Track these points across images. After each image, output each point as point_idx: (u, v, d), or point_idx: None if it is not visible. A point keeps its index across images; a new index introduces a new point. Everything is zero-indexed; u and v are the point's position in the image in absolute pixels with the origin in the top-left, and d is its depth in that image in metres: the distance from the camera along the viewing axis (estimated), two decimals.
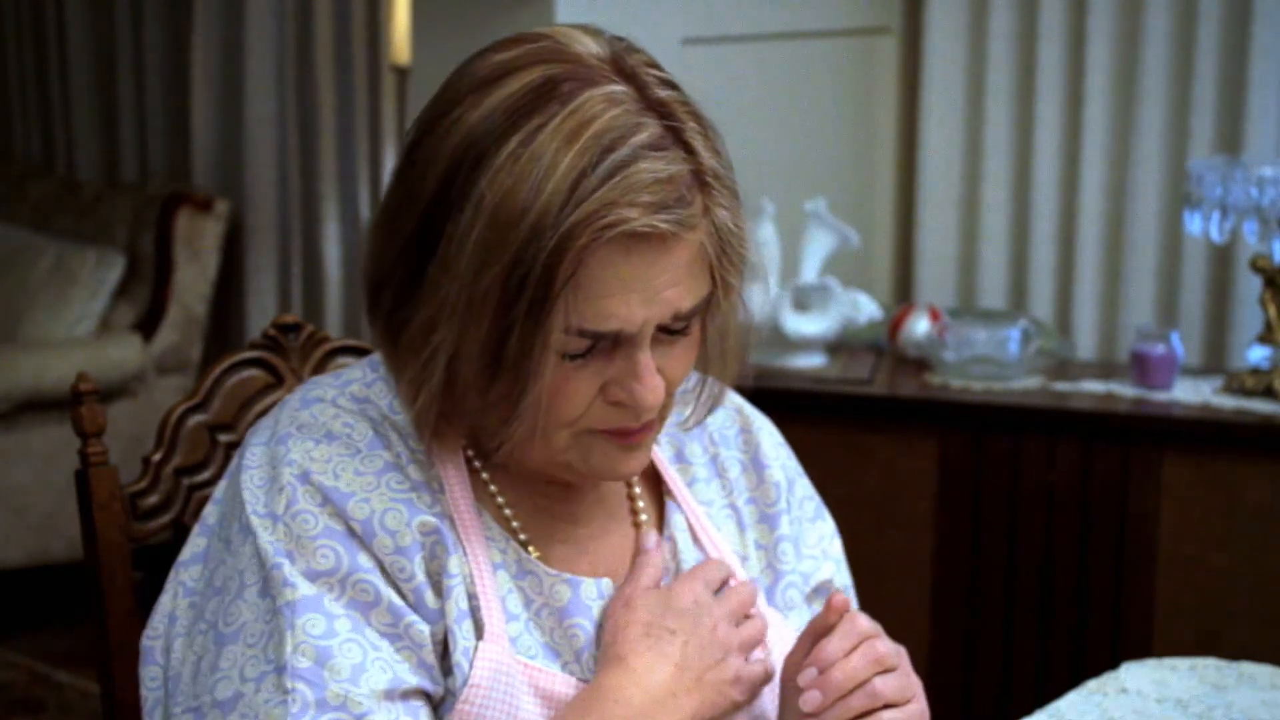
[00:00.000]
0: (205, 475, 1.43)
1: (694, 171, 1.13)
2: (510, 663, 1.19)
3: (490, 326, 1.11)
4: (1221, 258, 3.19)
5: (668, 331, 1.16)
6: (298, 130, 4.42)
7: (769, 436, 1.40)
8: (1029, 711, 1.53)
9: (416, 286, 1.14)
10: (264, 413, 1.45)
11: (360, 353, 1.51)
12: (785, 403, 2.53)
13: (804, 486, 1.42)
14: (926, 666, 2.85)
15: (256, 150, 4.42)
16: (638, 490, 1.32)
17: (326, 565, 1.15)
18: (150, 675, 1.22)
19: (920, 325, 3.07)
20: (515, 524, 1.24)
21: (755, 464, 1.37)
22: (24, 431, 3.93)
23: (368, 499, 1.17)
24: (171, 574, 1.24)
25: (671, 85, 1.16)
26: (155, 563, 1.34)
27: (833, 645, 1.20)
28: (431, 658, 1.17)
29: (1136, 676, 1.56)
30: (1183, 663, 1.59)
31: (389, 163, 4.44)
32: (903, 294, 3.59)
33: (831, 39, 3.56)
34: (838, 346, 3.12)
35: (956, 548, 2.85)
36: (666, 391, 1.18)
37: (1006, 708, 2.79)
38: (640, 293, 1.12)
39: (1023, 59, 3.36)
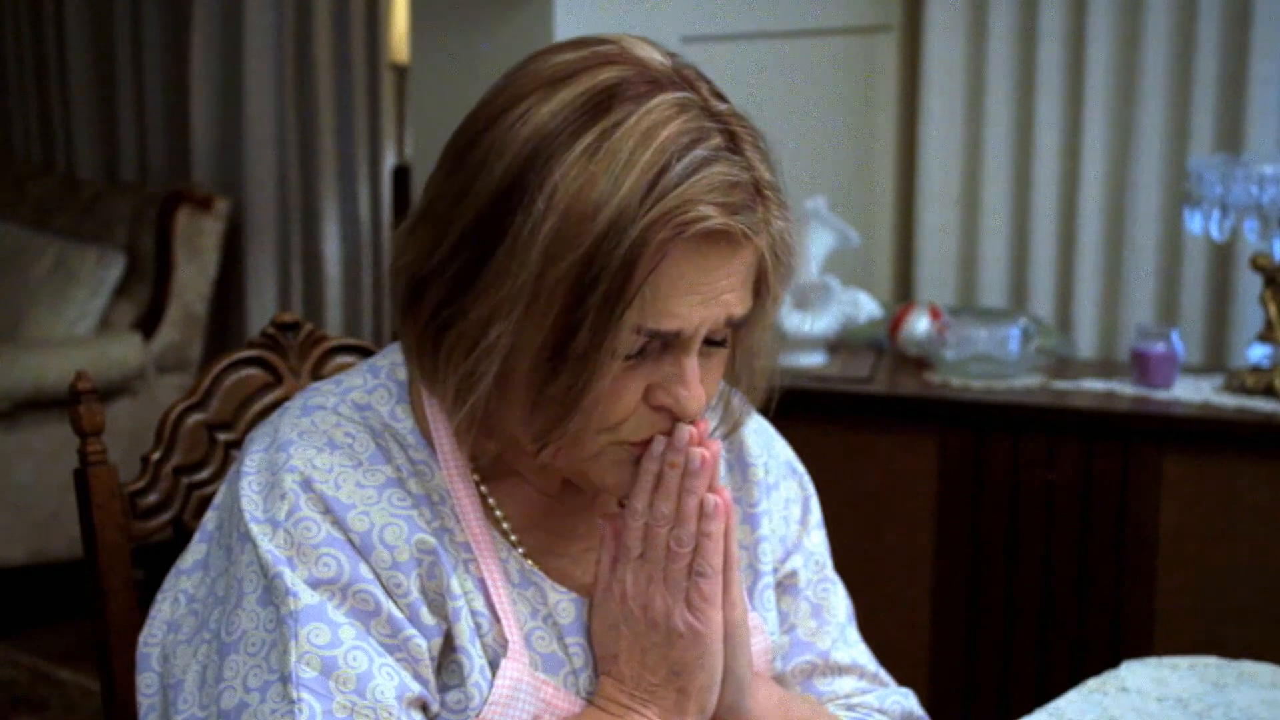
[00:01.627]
0: (204, 474, 1.43)
1: (755, 181, 1.14)
2: (529, 680, 1.19)
3: (557, 320, 1.10)
4: (1222, 256, 3.19)
5: (710, 342, 1.17)
6: (297, 129, 4.42)
7: (754, 435, 1.39)
8: (1029, 710, 1.53)
9: (474, 280, 1.13)
10: (263, 412, 1.45)
11: (360, 351, 1.51)
12: (785, 401, 2.53)
13: (789, 486, 1.40)
14: (927, 665, 2.85)
15: (256, 149, 4.43)
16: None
17: (329, 573, 1.15)
18: (146, 682, 1.21)
19: (920, 324, 3.07)
20: (514, 537, 1.24)
21: (740, 463, 1.37)
22: (25, 430, 3.93)
23: (368, 512, 1.17)
24: (170, 579, 1.23)
25: (724, 98, 1.17)
26: (155, 561, 1.34)
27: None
28: (429, 672, 1.17)
29: (1137, 675, 1.56)
30: (1183, 661, 1.59)
31: (389, 161, 4.45)
32: (903, 292, 3.59)
33: (832, 37, 3.56)
34: (838, 345, 3.12)
35: (956, 546, 2.85)
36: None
37: (1006, 707, 2.79)
38: (703, 295, 1.12)
39: (1023, 57, 3.36)
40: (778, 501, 1.38)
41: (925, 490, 2.85)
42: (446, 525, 1.20)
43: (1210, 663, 1.58)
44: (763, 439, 1.40)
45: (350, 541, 1.16)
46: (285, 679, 1.12)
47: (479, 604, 1.19)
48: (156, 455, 1.42)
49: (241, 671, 1.14)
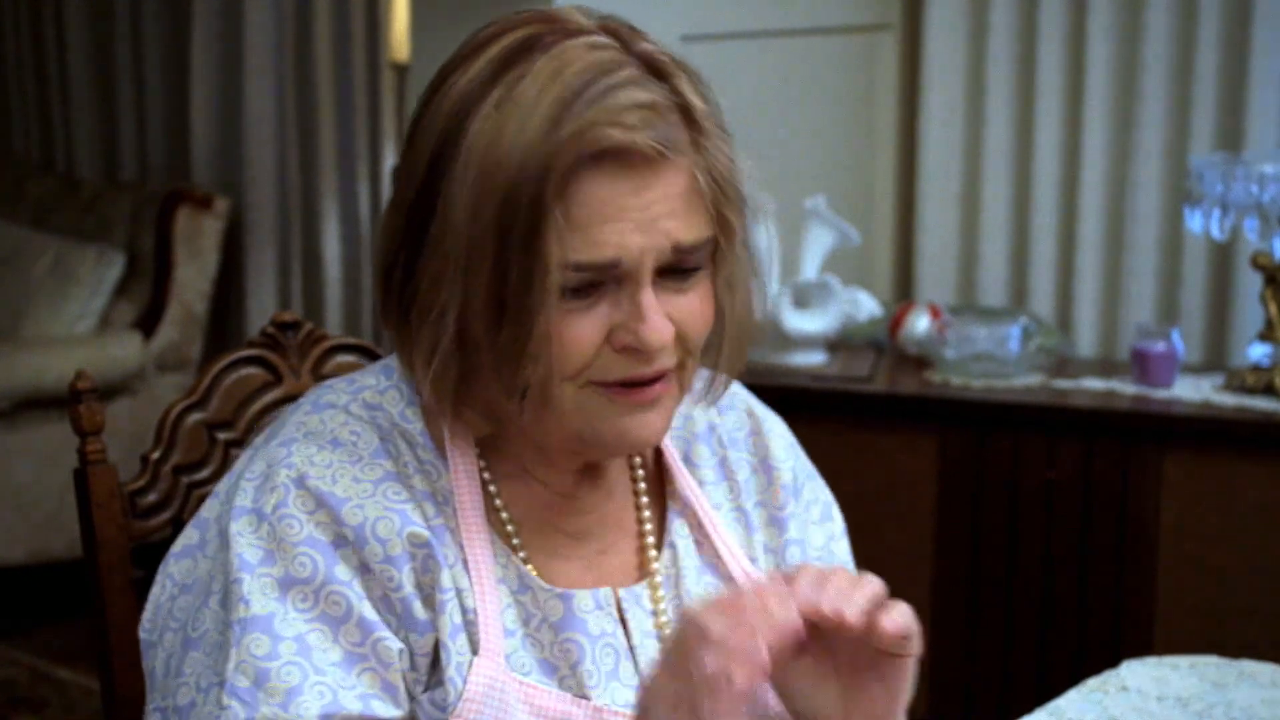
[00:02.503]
0: (204, 473, 1.43)
1: (680, 106, 1.14)
2: (504, 679, 1.18)
3: (490, 272, 1.12)
4: (1222, 255, 3.19)
5: (674, 274, 1.16)
6: (297, 128, 4.42)
7: (780, 439, 1.38)
8: (1029, 710, 1.53)
9: (420, 253, 1.15)
10: (263, 411, 1.45)
11: (360, 350, 1.51)
12: (785, 400, 2.52)
13: (813, 489, 1.40)
14: (927, 665, 2.85)
15: (256, 148, 4.42)
16: (645, 500, 1.30)
17: (304, 573, 1.15)
18: (149, 669, 1.22)
19: (920, 323, 3.07)
20: (516, 541, 1.23)
21: (765, 466, 1.36)
22: (25, 429, 3.93)
23: (362, 505, 1.17)
24: (162, 565, 1.23)
25: (655, 44, 1.17)
26: (155, 561, 1.34)
27: (828, 595, 1.15)
28: (398, 677, 1.16)
29: (1137, 674, 1.56)
30: (1183, 661, 1.58)
31: (389, 160, 4.44)
32: (903, 291, 3.59)
33: (832, 36, 3.56)
34: (838, 344, 3.12)
35: (957, 545, 2.84)
36: (683, 347, 1.17)
37: (1007, 706, 2.79)
38: (634, 221, 1.12)
39: (1023, 56, 3.36)
40: (804, 506, 1.38)
41: (925, 490, 2.85)
42: (448, 524, 1.20)
43: (1210, 662, 1.58)
44: (787, 444, 1.39)
45: (338, 539, 1.16)
46: (222, 684, 1.13)
47: (469, 601, 1.18)
48: (156, 455, 1.42)
49: (197, 670, 1.15)
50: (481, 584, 1.19)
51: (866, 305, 3.02)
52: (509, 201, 1.10)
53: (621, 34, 1.16)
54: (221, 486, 1.23)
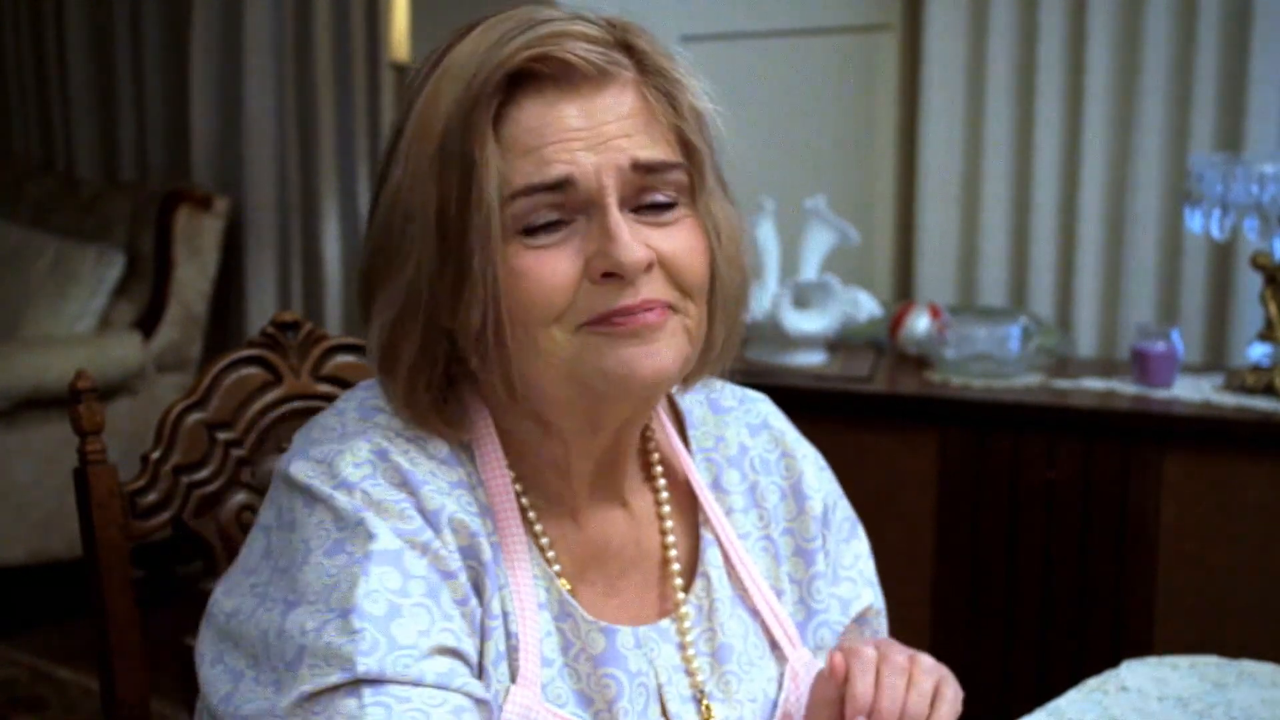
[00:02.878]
0: (204, 473, 1.43)
1: (623, 44, 1.12)
2: (539, 709, 1.15)
3: (436, 223, 1.09)
4: (1222, 255, 3.19)
5: (649, 208, 1.12)
6: (297, 128, 4.42)
7: (811, 465, 1.34)
8: (1029, 710, 1.53)
9: (382, 241, 1.14)
10: (263, 411, 1.45)
11: (360, 350, 1.51)
12: (785, 400, 2.52)
13: (843, 510, 1.37)
14: None
15: (256, 148, 4.42)
16: (669, 524, 1.26)
17: (412, 526, 1.10)
18: (211, 677, 1.14)
19: (920, 322, 3.07)
20: (556, 568, 1.19)
21: (796, 493, 1.32)
22: (25, 429, 3.93)
23: (439, 494, 1.13)
24: (229, 579, 1.17)
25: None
26: (155, 561, 1.33)
27: (861, 686, 1.16)
28: (473, 647, 1.13)
29: (1137, 674, 1.56)
30: (1183, 660, 1.58)
31: None
32: (903, 291, 3.59)
33: (831, 36, 3.56)
34: (838, 344, 3.12)
35: (957, 546, 2.84)
36: (675, 284, 1.12)
37: (1007, 706, 2.79)
38: (583, 140, 1.09)
39: (1023, 56, 3.36)
40: (834, 531, 1.34)
41: (925, 489, 2.85)
42: (498, 543, 1.16)
43: (1210, 662, 1.58)
44: (819, 468, 1.35)
45: (424, 520, 1.12)
46: (347, 612, 1.06)
47: (513, 626, 1.15)
48: (156, 454, 1.42)
49: (301, 620, 1.08)
50: (523, 609, 1.15)
51: (866, 305, 3.02)
52: (443, 148, 1.08)
53: (581, 12, 1.14)
54: (274, 491, 1.17)
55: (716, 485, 1.29)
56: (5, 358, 3.93)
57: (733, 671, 1.24)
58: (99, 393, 1.40)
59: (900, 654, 1.19)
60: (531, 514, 1.19)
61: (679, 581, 1.24)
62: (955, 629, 2.85)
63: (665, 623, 1.23)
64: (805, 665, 1.28)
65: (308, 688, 1.06)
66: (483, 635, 1.13)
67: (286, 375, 1.47)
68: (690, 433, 1.30)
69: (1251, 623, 2.68)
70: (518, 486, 1.19)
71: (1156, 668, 1.57)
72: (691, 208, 1.14)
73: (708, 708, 1.23)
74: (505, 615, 1.15)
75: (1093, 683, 1.54)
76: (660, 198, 1.12)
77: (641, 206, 1.12)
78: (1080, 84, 3.28)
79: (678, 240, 1.13)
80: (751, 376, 2.62)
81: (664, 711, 1.21)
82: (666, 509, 1.26)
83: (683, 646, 1.23)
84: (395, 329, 1.13)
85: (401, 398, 1.14)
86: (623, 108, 1.10)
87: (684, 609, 1.24)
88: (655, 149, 1.11)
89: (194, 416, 1.43)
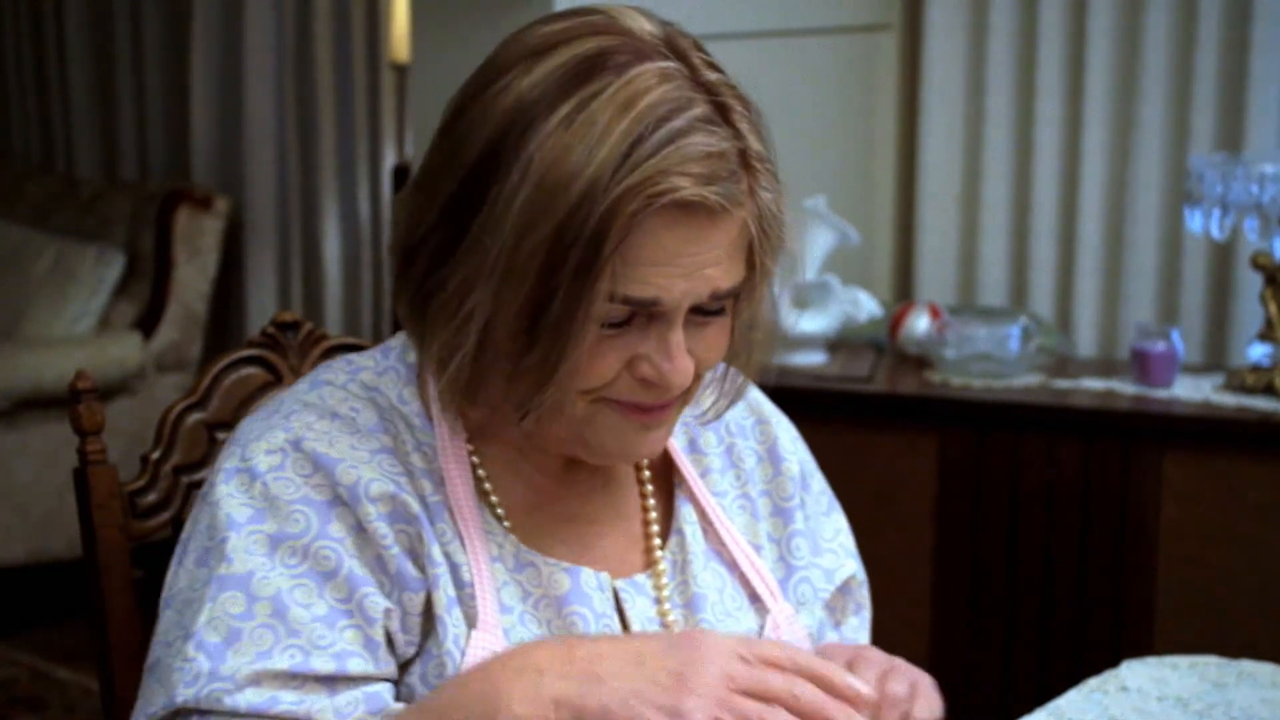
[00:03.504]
0: (204, 473, 1.43)
1: (741, 151, 1.13)
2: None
3: (531, 290, 1.10)
4: (1222, 255, 3.19)
5: (701, 312, 1.16)
6: (297, 128, 4.42)
7: (786, 431, 1.39)
8: (1029, 710, 1.53)
9: (454, 249, 1.13)
10: None
11: (359, 350, 1.51)
12: (785, 400, 2.52)
13: (819, 481, 1.42)
14: (927, 665, 2.84)
15: (256, 148, 4.43)
16: (649, 489, 1.31)
17: (296, 529, 1.15)
18: None
19: (920, 323, 3.06)
20: (507, 524, 1.23)
21: (772, 456, 1.37)
22: (24, 429, 3.93)
23: (356, 467, 1.17)
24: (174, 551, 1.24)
25: (718, 69, 1.17)
26: (155, 561, 1.33)
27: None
28: (381, 634, 1.16)
29: (1137, 674, 1.56)
30: (1183, 661, 1.58)
31: (389, 160, 4.45)
32: (903, 291, 3.59)
33: (831, 36, 3.56)
34: (838, 344, 3.12)
35: (956, 546, 2.84)
36: (695, 374, 1.18)
37: (1007, 706, 2.79)
38: (683, 267, 1.12)
39: (1023, 56, 3.36)
40: (814, 498, 1.39)
41: (925, 489, 2.84)
42: (445, 503, 1.20)
43: (1210, 662, 1.58)
44: (792, 437, 1.40)
45: (338, 497, 1.16)
46: (188, 636, 1.13)
47: (466, 575, 1.19)
48: (156, 454, 1.42)
49: (167, 629, 1.16)
50: (477, 560, 1.19)
51: (866, 305, 3.02)
52: (566, 229, 1.08)
53: (687, 56, 1.15)
54: (215, 467, 1.23)
55: (694, 447, 1.34)
56: (5, 358, 3.93)
57: (707, 620, 1.27)
58: (99, 393, 1.40)
59: (871, 671, 1.22)
60: (481, 471, 1.24)
61: (657, 541, 1.29)
62: (955, 629, 2.85)
63: (641, 577, 1.27)
64: (786, 617, 1.31)
65: (141, 716, 1.14)
66: (430, 582, 1.17)
67: (287, 375, 1.47)
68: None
69: (1251, 623, 2.68)
70: (475, 458, 1.23)
71: (1156, 668, 1.57)
72: (732, 305, 1.19)
73: None
74: (454, 565, 1.19)
75: (1093, 683, 1.54)
76: (713, 309, 1.17)
77: (694, 309, 1.16)
78: (1080, 84, 3.28)
79: (712, 339, 1.18)
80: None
81: None
82: (646, 474, 1.31)
83: (658, 601, 1.27)
84: (457, 363, 1.15)
85: (450, 408, 1.20)
86: (726, 239, 1.13)
87: (660, 565, 1.28)
88: (734, 275, 1.15)
89: (194, 416, 1.44)
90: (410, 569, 1.17)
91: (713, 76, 1.15)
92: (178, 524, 1.42)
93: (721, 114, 1.13)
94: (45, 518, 3.94)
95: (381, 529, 1.17)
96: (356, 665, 1.14)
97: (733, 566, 1.31)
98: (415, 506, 1.18)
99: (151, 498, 1.41)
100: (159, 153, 4.70)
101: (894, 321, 3.12)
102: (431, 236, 1.15)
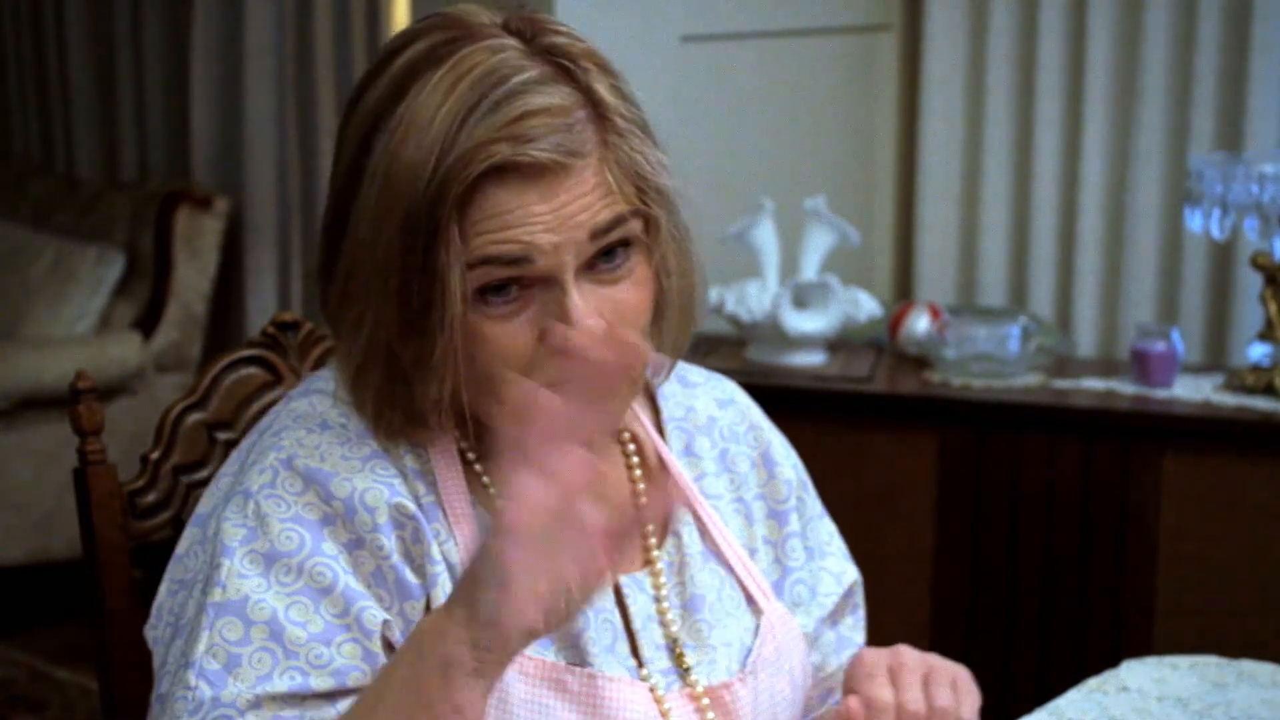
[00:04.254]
0: (204, 474, 1.43)
1: (587, 104, 1.13)
2: None
3: (397, 291, 1.12)
4: (1222, 255, 3.18)
5: (602, 262, 1.14)
6: (297, 128, 4.41)
7: (778, 437, 1.40)
8: (1029, 710, 1.53)
9: (332, 268, 1.17)
10: (263, 411, 1.45)
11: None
12: (785, 400, 2.53)
13: (811, 487, 1.43)
14: None
15: (256, 148, 4.42)
16: (642, 487, 1.31)
17: (289, 547, 1.16)
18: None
19: (920, 323, 3.06)
20: None
21: (766, 461, 1.38)
22: (24, 429, 3.93)
23: (350, 478, 1.18)
24: (169, 565, 1.24)
25: (569, 36, 1.16)
26: (154, 560, 1.34)
27: (879, 691, 1.18)
28: (379, 646, 1.16)
29: (1137, 674, 1.56)
30: (1183, 661, 1.58)
31: None
32: (903, 291, 3.59)
33: (831, 36, 3.56)
34: (838, 344, 3.12)
35: (956, 546, 2.84)
36: (625, 340, 1.15)
37: (1006, 707, 2.79)
38: (543, 222, 1.11)
39: (1023, 56, 3.36)
40: (811, 500, 1.40)
41: (925, 489, 2.85)
42: (439, 503, 1.21)
43: (1210, 662, 1.58)
44: (784, 443, 1.41)
45: (331, 512, 1.17)
46: (189, 665, 1.14)
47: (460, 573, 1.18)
48: (156, 455, 1.42)
49: (174, 655, 1.17)
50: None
51: (866, 305, 3.02)
52: (407, 221, 1.10)
53: (525, 30, 1.15)
54: (214, 482, 1.25)
55: (689, 450, 1.35)
56: (5, 358, 3.92)
57: (704, 620, 1.28)
58: (99, 393, 1.40)
59: (914, 679, 1.20)
60: (479, 466, 1.24)
61: (653, 541, 1.29)
62: (955, 629, 2.85)
63: (640, 574, 1.28)
64: (780, 617, 1.32)
65: None
66: (429, 581, 1.18)
67: (286, 375, 1.47)
68: (660, 403, 1.36)
69: (1251, 623, 2.68)
70: (471, 455, 1.24)
71: (1156, 668, 1.57)
72: (642, 253, 1.17)
73: (680, 654, 1.27)
74: (450, 565, 1.19)
75: (1093, 683, 1.54)
76: (610, 250, 1.15)
77: (596, 263, 1.15)
78: (1080, 84, 3.28)
79: (626, 295, 1.16)
80: (751, 376, 2.62)
81: (636, 654, 1.25)
82: (639, 473, 1.31)
83: (657, 599, 1.27)
84: (360, 374, 1.18)
85: (371, 420, 1.20)
86: (585, 185, 1.12)
87: (658, 566, 1.28)
88: (612, 208, 1.14)
89: (194, 416, 1.44)
90: (410, 577, 1.18)
91: (559, 40, 1.15)
92: (178, 524, 1.42)
93: (562, 72, 1.13)
94: (45, 518, 3.94)
95: (380, 539, 1.17)
96: (356, 679, 1.15)
97: (728, 568, 1.32)
98: (412, 507, 1.18)
99: (151, 498, 1.41)
100: (159, 153, 4.70)
101: (894, 321, 3.12)
102: (324, 258, 1.18)
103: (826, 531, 1.42)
